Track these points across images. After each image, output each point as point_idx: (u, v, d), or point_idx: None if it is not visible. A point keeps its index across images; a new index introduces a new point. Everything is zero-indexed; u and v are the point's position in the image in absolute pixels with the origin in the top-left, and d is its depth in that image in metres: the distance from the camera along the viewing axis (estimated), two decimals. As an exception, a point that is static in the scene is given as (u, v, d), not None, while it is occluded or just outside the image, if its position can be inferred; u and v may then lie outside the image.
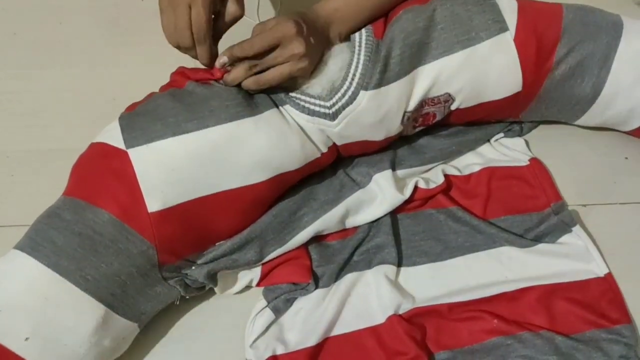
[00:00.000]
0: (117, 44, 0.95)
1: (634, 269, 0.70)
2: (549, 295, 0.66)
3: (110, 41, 0.95)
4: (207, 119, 0.60)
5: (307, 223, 0.68)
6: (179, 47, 0.62)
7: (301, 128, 0.66)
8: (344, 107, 0.66)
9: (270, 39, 0.60)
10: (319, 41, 0.64)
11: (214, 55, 0.63)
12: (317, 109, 0.65)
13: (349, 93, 0.65)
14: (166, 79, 0.68)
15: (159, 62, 0.90)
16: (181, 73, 0.67)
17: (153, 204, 0.58)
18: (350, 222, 0.72)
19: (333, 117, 0.66)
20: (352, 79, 0.66)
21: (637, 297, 0.67)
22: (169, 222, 0.59)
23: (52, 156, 0.80)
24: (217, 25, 0.63)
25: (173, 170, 0.59)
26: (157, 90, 0.67)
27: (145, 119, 0.61)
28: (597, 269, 0.68)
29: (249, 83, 0.63)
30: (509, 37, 0.68)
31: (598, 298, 0.66)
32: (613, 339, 0.63)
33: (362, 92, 0.65)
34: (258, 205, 0.66)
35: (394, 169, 0.75)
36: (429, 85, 0.68)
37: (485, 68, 0.69)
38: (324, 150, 0.68)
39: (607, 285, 0.67)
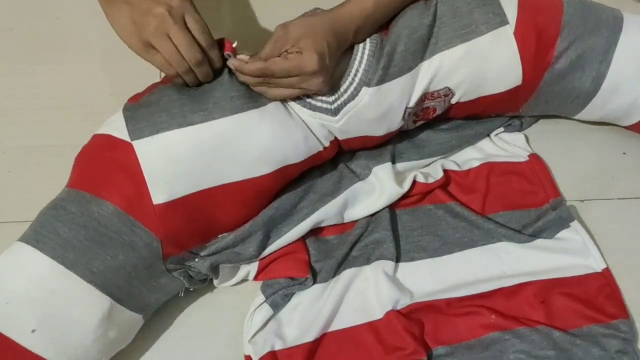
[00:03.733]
0: (114, 39, 0.94)
1: (631, 264, 0.70)
2: (546, 290, 0.67)
3: (107, 36, 0.95)
4: (212, 110, 0.60)
5: (306, 215, 0.69)
6: (190, 69, 0.58)
7: (303, 122, 0.66)
8: (345, 103, 0.65)
9: (291, 73, 0.60)
10: (337, 55, 0.63)
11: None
12: (319, 104, 0.65)
13: (351, 89, 0.65)
14: (163, 74, 0.68)
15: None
16: None
17: (158, 196, 0.58)
18: (349, 215, 0.72)
19: (335, 112, 0.66)
20: (355, 75, 0.65)
21: (635, 292, 0.67)
22: (174, 214, 0.59)
23: (50, 152, 0.80)
24: None
25: (178, 162, 0.59)
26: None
27: (149, 110, 0.60)
28: (595, 264, 0.68)
29: (258, 90, 0.63)
30: (509, 30, 0.68)
31: (596, 293, 0.67)
32: (610, 333, 0.64)
33: (364, 89, 0.65)
34: (261, 198, 0.67)
35: (393, 162, 0.75)
36: (429, 80, 0.68)
37: (485, 62, 0.69)
38: (326, 144, 0.69)
39: (604, 281, 0.68)
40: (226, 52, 0.61)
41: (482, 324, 0.65)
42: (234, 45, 0.62)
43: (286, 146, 0.64)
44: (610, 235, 0.72)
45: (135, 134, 0.59)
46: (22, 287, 0.55)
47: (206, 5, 0.96)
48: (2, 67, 0.90)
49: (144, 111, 0.61)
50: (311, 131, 0.66)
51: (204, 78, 0.61)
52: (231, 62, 0.61)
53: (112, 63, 0.90)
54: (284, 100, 0.65)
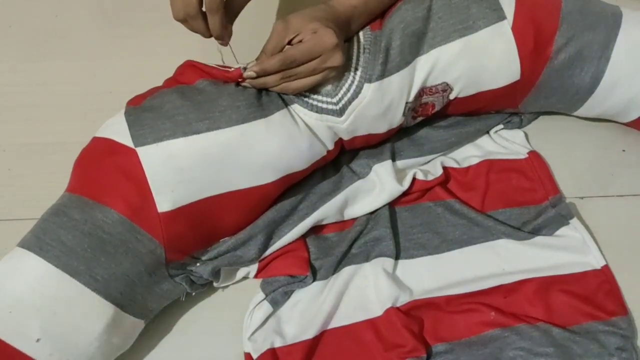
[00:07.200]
0: (113, 36, 0.95)
1: (630, 261, 0.70)
2: (546, 287, 0.67)
3: (106, 34, 0.95)
4: (218, 119, 0.60)
5: (306, 215, 0.69)
6: (185, 20, 0.58)
7: (309, 127, 0.65)
8: (350, 102, 0.65)
9: (313, 53, 0.59)
10: (342, 38, 0.63)
11: (226, 30, 0.60)
12: (324, 106, 0.65)
13: (354, 87, 0.65)
14: (163, 72, 0.68)
15: (155, 55, 0.90)
16: (191, 66, 0.66)
17: (163, 204, 0.58)
18: (349, 213, 0.72)
19: (340, 113, 0.66)
20: (355, 73, 0.65)
21: (634, 289, 0.67)
22: (178, 221, 0.59)
23: (49, 150, 0.80)
24: (233, 5, 0.60)
25: (183, 170, 0.59)
26: (154, 83, 0.67)
27: (153, 116, 0.60)
28: (594, 261, 0.68)
29: (280, 88, 0.62)
30: (506, 25, 0.68)
31: (595, 290, 0.67)
32: (610, 330, 0.64)
33: (366, 85, 0.65)
34: (264, 203, 0.67)
35: (393, 159, 0.75)
36: (426, 74, 0.68)
37: (482, 57, 0.68)
38: (330, 147, 0.69)
39: (604, 278, 0.68)
40: (242, 74, 0.61)
41: (481, 321, 0.65)
42: (232, 69, 0.62)
43: (291, 156, 0.64)
44: (610, 233, 0.72)
45: (139, 140, 0.58)
46: (26, 295, 0.54)
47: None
48: (1, 64, 0.90)
49: (147, 116, 0.60)
50: (316, 136, 0.66)
51: (198, 31, 0.60)
52: (251, 70, 0.60)
53: (111, 60, 0.90)
54: (289, 103, 0.65)
